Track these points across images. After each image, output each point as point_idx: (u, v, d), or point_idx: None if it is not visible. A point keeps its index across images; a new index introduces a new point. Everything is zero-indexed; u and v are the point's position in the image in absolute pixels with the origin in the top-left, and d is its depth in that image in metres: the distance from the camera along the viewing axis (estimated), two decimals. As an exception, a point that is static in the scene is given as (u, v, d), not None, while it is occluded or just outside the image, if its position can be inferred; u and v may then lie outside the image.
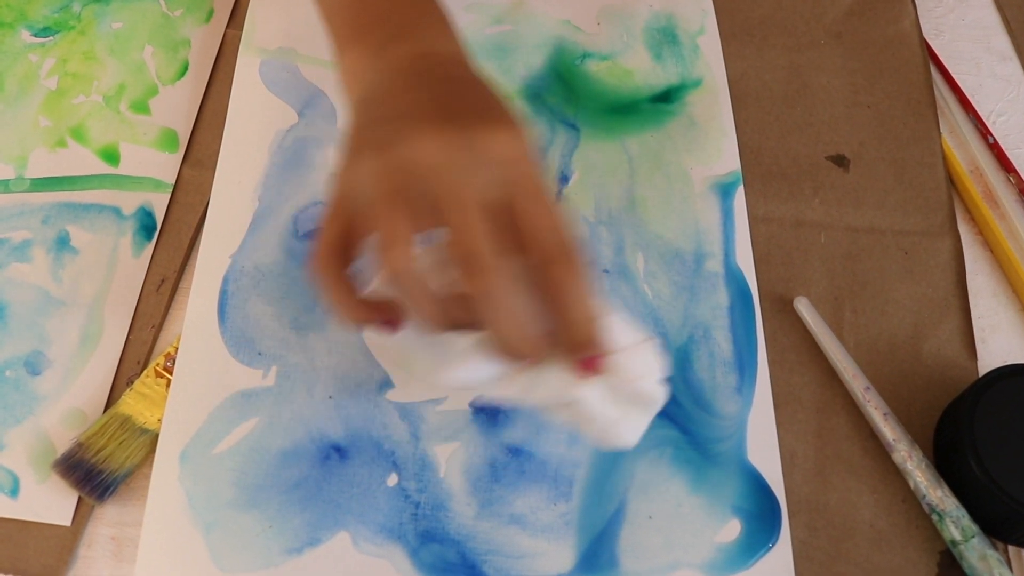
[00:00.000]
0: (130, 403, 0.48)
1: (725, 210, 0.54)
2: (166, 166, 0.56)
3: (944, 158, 0.57)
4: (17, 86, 0.58)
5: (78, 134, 0.57)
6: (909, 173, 0.56)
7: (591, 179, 0.55)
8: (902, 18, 0.62)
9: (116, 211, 0.54)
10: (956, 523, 0.45)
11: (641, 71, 0.59)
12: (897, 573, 0.45)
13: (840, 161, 0.57)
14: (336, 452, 0.47)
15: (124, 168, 0.55)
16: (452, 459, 0.47)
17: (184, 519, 0.45)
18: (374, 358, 0.49)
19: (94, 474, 0.46)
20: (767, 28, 0.62)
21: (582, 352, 0.38)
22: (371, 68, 0.41)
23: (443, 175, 0.36)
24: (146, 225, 0.54)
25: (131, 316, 0.51)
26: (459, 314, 0.38)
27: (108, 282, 0.52)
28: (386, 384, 0.49)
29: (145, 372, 0.49)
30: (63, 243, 0.53)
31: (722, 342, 0.50)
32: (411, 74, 0.40)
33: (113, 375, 0.49)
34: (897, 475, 0.47)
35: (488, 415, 0.48)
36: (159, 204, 0.54)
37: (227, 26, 0.61)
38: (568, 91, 0.58)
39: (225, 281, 0.51)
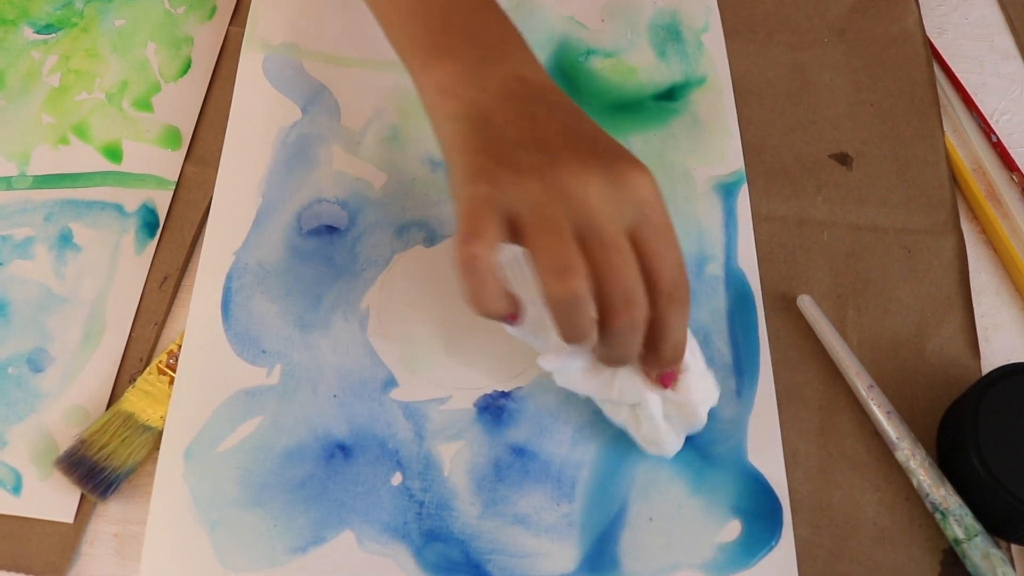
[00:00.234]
0: (132, 400, 0.48)
1: (728, 210, 0.54)
2: (169, 163, 0.55)
3: (947, 156, 0.57)
4: (20, 83, 0.58)
5: (81, 131, 0.56)
6: (912, 171, 0.56)
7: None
8: (905, 16, 0.62)
9: (119, 208, 0.54)
10: (959, 522, 0.45)
11: (645, 68, 0.59)
12: (900, 571, 0.45)
13: (843, 159, 0.57)
14: (340, 451, 0.47)
15: (127, 165, 0.55)
16: (456, 458, 0.47)
17: (189, 517, 0.45)
18: (378, 357, 0.49)
19: (96, 471, 0.46)
20: (770, 25, 0.62)
21: (666, 368, 0.43)
22: (470, 86, 0.43)
23: (595, 209, 0.38)
24: (149, 222, 0.54)
25: (133, 313, 0.51)
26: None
27: (110, 279, 0.52)
28: (390, 383, 0.49)
29: (148, 369, 0.49)
30: (65, 240, 0.53)
31: (722, 346, 0.50)
32: (519, 99, 0.42)
33: (115, 372, 0.49)
34: (900, 473, 0.47)
35: (492, 415, 0.48)
36: (162, 201, 0.54)
37: (230, 23, 0.61)
38: (572, 88, 0.58)
39: (229, 278, 0.51)
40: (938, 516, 0.45)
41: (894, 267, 0.53)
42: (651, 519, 0.46)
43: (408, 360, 0.49)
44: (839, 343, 0.49)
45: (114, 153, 0.56)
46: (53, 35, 0.60)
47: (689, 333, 0.43)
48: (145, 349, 0.50)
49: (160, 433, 0.47)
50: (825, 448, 0.48)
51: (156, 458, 0.47)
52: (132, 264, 0.52)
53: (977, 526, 0.44)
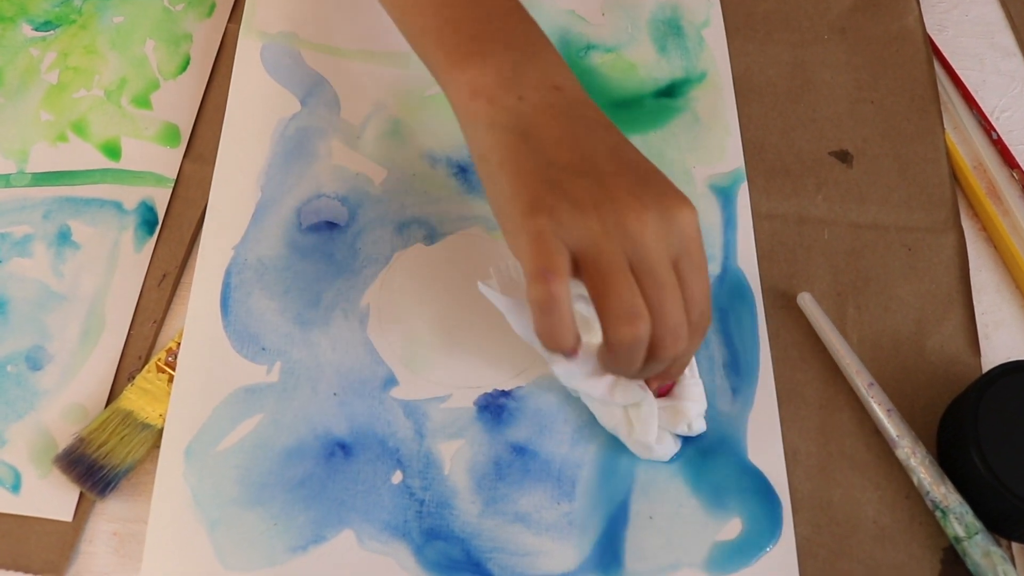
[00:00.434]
0: (131, 398, 0.48)
1: (727, 208, 0.54)
2: (167, 161, 0.55)
3: (947, 154, 0.57)
4: (18, 80, 0.58)
5: (79, 128, 0.56)
6: (913, 169, 0.56)
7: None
8: (906, 14, 0.62)
9: (117, 206, 0.54)
10: (959, 520, 0.45)
11: (645, 64, 0.59)
12: (900, 570, 0.45)
13: (844, 157, 0.57)
14: (340, 449, 0.47)
15: (125, 163, 0.55)
16: (457, 457, 0.47)
17: (189, 516, 0.45)
18: (378, 355, 0.49)
19: (95, 469, 0.46)
20: (771, 23, 0.61)
21: (667, 381, 0.46)
22: (507, 92, 0.42)
23: (651, 248, 0.39)
24: (147, 220, 0.53)
25: (132, 311, 0.51)
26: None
27: (109, 277, 0.52)
28: (390, 381, 0.49)
29: (146, 367, 0.49)
30: (64, 238, 0.53)
31: (721, 346, 0.50)
32: (561, 114, 0.42)
33: (114, 370, 0.49)
34: (900, 471, 0.47)
35: (492, 414, 0.48)
36: (160, 199, 0.54)
37: (229, 20, 0.61)
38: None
39: (228, 273, 0.51)
40: (938, 514, 0.45)
41: (894, 265, 0.53)
42: (651, 518, 0.46)
43: (408, 358, 0.49)
44: (839, 341, 0.49)
45: (113, 150, 0.56)
46: (51, 32, 0.60)
47: None
48: (144, 347, 0.50)
49: (159, 431, 0.47)
50: (825, 446, 0.48)
51: (155, 456, 0.47)
52: (131, 262, 0.52)
53: (977, 524, 0.44)
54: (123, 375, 0.49)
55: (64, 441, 0.47)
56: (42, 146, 0.55)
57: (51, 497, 0.46)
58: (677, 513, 0.46)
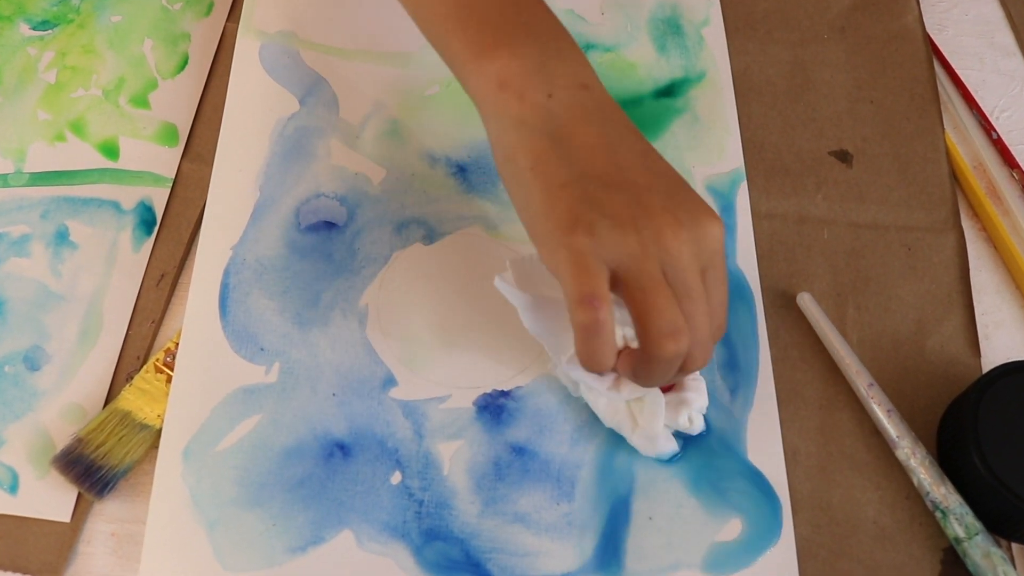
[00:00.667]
0: (130, 399, 0.48)
1: (727, 208, 0.54)
2: (166, 160, 0.55)
3: (947, 154, 0.57)
4: (16, 79, 0.57)
5: (77, 128, 0.56)
6: (912, 169, 0.56)
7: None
8: (906, 13, 0.62)
9: (115, 205, 0.54)
10: (959, 520, 0.45)
11: (644, 64, 0.59)
12: (900, 570, 0.45)
13: (843, 157, 0.57)
14: (339, 450, 0.47)
15: (124, 162, 0.55)
16: (456, 457, 0.47)
17: (188, 517, 0.45)
18: (377, 355, 0.49)
19: (93, 470, 0.45)
20: (771, 22, 0.61)
21: (674, 380, 0.45)
22: (536, 88, 0.41)
23: (686, 264, 0.39)
24: (146, 220, 0.53)
25: (131, 311, 0.51)
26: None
27: (107, 277, 0.51)
28: (389, 381, 0.48)
29: (145, 367, 0.49)
30: (62, 237, 0.52)
31: (720, 346, 0.50)
32: (592, 118, 0.42)
33: (112, 370, 0.49)
34: (900, 472, 0.47)
35: (492, 414, 0.48)
36: (159, 199, 0.54)
37: (227, 19, 0.60)
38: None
39: (226, 273, 0.51)
40: (938, 515, 0.45)
41: (894, 265, 0.53)
42: (651, 518, 0.46)
43: (407, 359, 0.49)
44: (839, 341, 0.49)
45: (111, 150, 0.55)
46: (49, 31, 0.59)
47: None
48: (142, 347, 0.50)
49: (157, 431, 0.47)
50: (825, 447, 0.48)
51: (153, 457, 0.47)
52: (129, 262, 0.52)
53: (978, 525, 0.44)
54: (121, 375, 0.49)
55: (62, 441, 0.46)
56: (40, 146, 0.55)
57: (49, 498, 0.46)
58: (677, 513, 0.46)
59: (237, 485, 0.46)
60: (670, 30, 0.60)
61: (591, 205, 0.39)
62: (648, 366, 0.41)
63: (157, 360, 0.49)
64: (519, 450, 0.47)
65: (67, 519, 0.45)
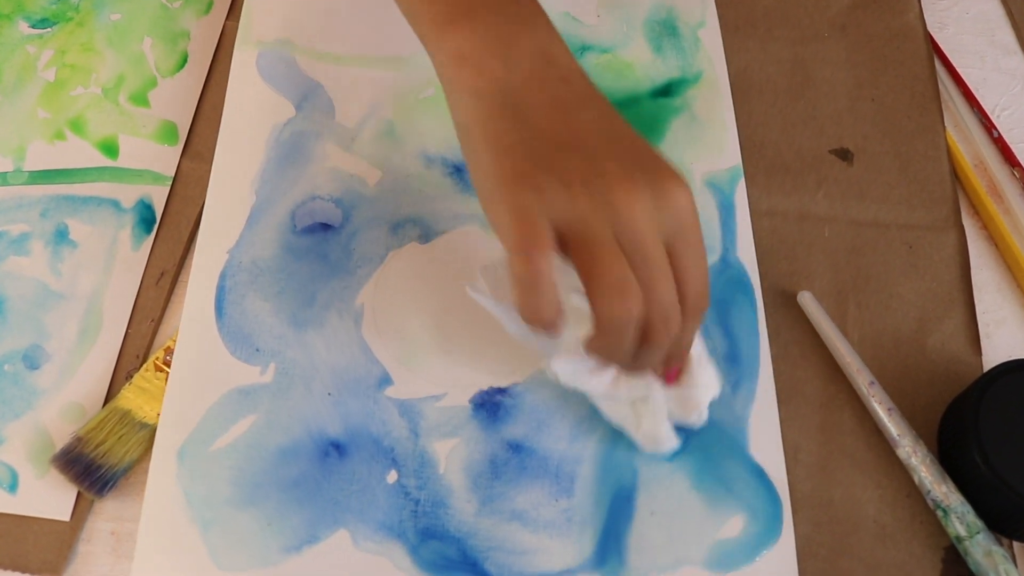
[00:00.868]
0: (129, 397, 0.48)
1: (726, 206, 0.54)
2: (165, 159, 0.55)
3: (948, 152, 0.57)
4: (15, 78, 0.58)
5: (77, 126, 0.56)
6: (913, 167, 0.56)
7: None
8: (906, 11, 0.62)
9: (115, 204, 0.54)
10: (961, 519, 0.44)
11: (641, 64, 0.59)
12: (901, 569, 0.45)
13: (844, 155, 0.56)
14: (335, 449, 0.47)
15: (123, 161, 0.55)
16: (452, 456, 0.47)
17: (182, 517, 0.45)
18: (373, 354, 0.49)
19: (93, 469, 0.45)
20: (771, 20, 0.61)
21: (672, 365, 0.44)
22: (493, 58, 0.40)
23: (641, 226, 0.38)
24: (145, 218, 0.53)
25: (130, 310, 0.51)
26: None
27: (107, 275, 0.52)
28: (385, 380, 0.48)
29: (144, 366, 0.49)
30: (62, 236, 0.52)
31: (722, 338, 0.50)
32: (549, 84, 0.41)
33: (112, 369, 0.49)
34: (901, 470, 0.47)
35: (488, 411, 0.48)
36: (158, 197, 0.54)
37: (227, 17, 0.61)
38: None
39: (222, 276, 0.51)
40: (940, 513, 0.45)
41: (895, 263, 0.53)
42: (652, 513, 0.45)
43: (403, 357, 0.49)
44: (840, 339, 0.49)
45: (110, 148, 0.56)
46: (48, 29, 0.60)
47: None
48: (142, 346, 0.50)
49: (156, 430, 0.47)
50: (826, 445, 0.48)
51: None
52: (129, 260, 0.52)
53: (979, 523, 0.44)
54: (121, 374, 0.49)
55: (62, 440, 0.47)
56: (39, 144, 0.55)
57: (49, 497, 0.46)
58: (679, 509, 0.46)
59: (232, 485, 0.45)
60: (666, 31, 0.60)
61: (540, 164, 0.38)
62: (600, 333, 0.39)
63: (157, 359, 0.49)
64: (516, 447, 0.47)
65: (67, 518, 0.45)
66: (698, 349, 0.45)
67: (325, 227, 0.53)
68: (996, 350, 0.51)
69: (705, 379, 0.45)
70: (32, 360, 0.49)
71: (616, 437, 0.47)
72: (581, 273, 0.38)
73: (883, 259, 0.53)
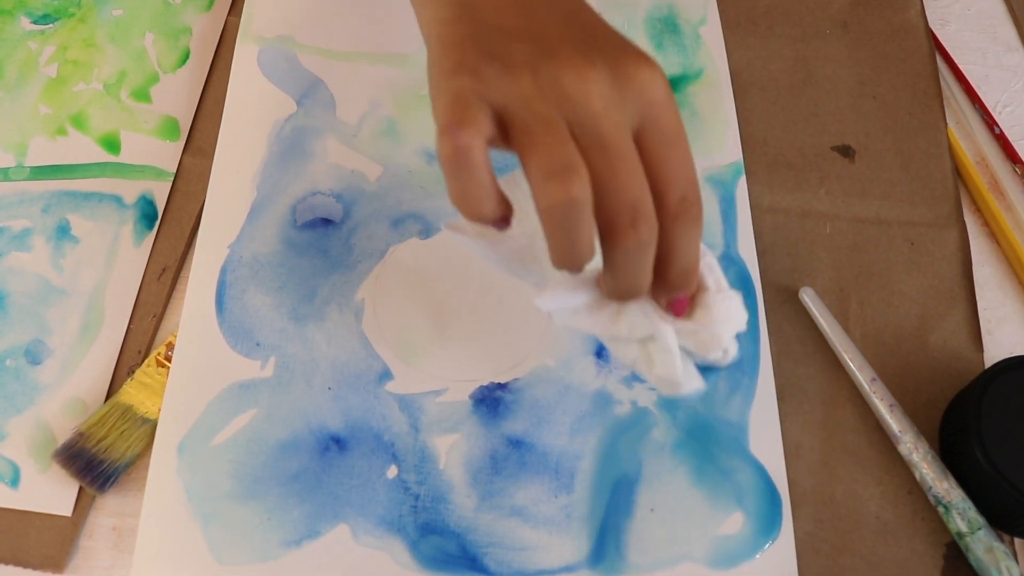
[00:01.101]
0: (131, 392, 0.48)
1: (727, 201, 0.54)
2: (167, 154, 0.55)
3: (950, 149, 0.56)
4: (17, 73, 0.58)
5: (78, 122, 0.56)
6: (915, 164, 0.56)
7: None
8: (908, 8, 0.62)
9: (117, 200, 0.54)
10: (962, 515, 0.44)
11: (644, 61, 0.59)
12: (903, 565, 0.45)
13: (846, 152, 0.56)
14: (335, 444, 0.47)
15: (125, 156, 0.55)
16: (452, 451, 0.47)
17: (182, 511, 0.45)
18: (373, 349, 0.49)
19: (95, 464, 0.46)
20: (772, 17, 0.61)
21: (676, 294, 0.38)
22: None
23: (597, 109, 0.33)
24: (147, 214, 0.53)
25: (132, 305, 0.51)
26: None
27: (109, 271, 0.52)
28: (385, 375, 0.48)
29: (146, 361, 0.49)
30: (63, 232, 0.53)
31: None
32: None
33: (114, 364, 0.49)
34: (903, 467, 0.47)
35: (489, 407, 0.48)
36: (160, 193, 0.54)
37: (228, 13, 0.61)
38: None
39: (223, 271, 0.51)
40: (941, 510, 0.45)
41: (897, 260, 0.53)
42: (653, 510, 0.45)
43: (403, 352, 0.49)
44: (842, 336, 0.49)
45: (112, 144, 0.56)
46: (50, 25, 0.60)
47: (706, 250, 0.39)
48: (144, 341, 0.50)
49: (158, 426, 0.47)
50: (828, 441, 0.48)
51: (153, 451, 0.47)
52: (131, 256, 0.52)
53: (980, 520, 0.44)
54: (123, 369, 0.49)
55: (63, 435, 0.47)
56: (41, 140, 0.56)
57: (50, 492, 0.46)
58: (680, 505, 0.45)
59: (232, 479, 0.46)
60: (667, 29, 0.60)
61: (485, 53, 0.35)
62: (545, 225, 0.34)
63: (159, 354, 0.49)
64: (516, 443, 0.47)
65: (68, 513, 0.45)
66: (714, 276, 0.40)
67: (326, 222, 0.53)
68: (998, 347, 0.51)
69: (724, 310, 0.39)
70: (34, 355, 0.49)
71: (617, 433, 0.47)
72: (520, 158, 0.34)
73: (885, 256, 0.53)
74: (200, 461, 0.46)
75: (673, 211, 0.35)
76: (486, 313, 0.50)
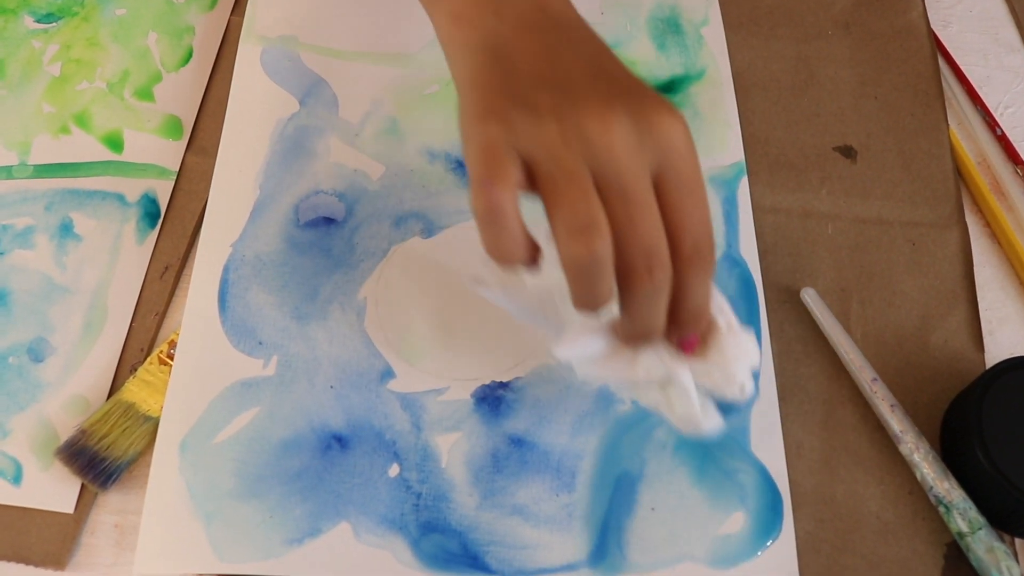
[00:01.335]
0: (133, 390, 0.48)
1: (728, 202, 0.54)
2: (170, 153, 0.55)
3: (952, 150, 0.57)
4: (20, 72, 0.58)
5: (81, 121, 0.56)
6: (917, 164, 0.56)
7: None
8: (910, 9, 0.62)
9: (120, 198, 0.54)
10: (963, 515, 0.44)
11: (645, 62, 0.59)
12: (903, 565, 0.45)
13: (847, 152, 0.56)
14: (337, 442, 0.47)
15: (128, 155, 0.55)
16: (454, 449, 0.47)
17: (184, 509, 0.45)
18: (375, 348, 0.49)
19: (97, 461, 0.46)
20: (774, 18, 0.61)
21: (687, 333, 0.39)
22: (487, 14, 0.39)
23: (618, 156, 0.35)
24: (150, 212, 0.54)
25: (135, 303, 0.51)
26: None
27: (112, 269, 0.52)
28: (387, 374, 0.48)
29: (148, 359, 0.49)
30: (66, 230, 0.53)
31: None
32: (539, 31, 0.39)
33: (116, 362, 0.49)
34: (904, 467, 0.47)
35: (490, 405, 0.48)
36: (163, 191, 0.54)
37: (231, 13, 0.61)
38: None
39: (226, 270, 0.51)
40: (942, 509, 0.45)
41: (898, 260, 0.53)
42: (654, 509, 0.45)
43: (405, 351, 0.49)
44: (843, 336, 0.49)
45: (115, 143, 0.56)
46: (54, 24, 0.60)
47: (717, 291, 0.40)
48: (146, 339, 0.50)
49: (160, 424, 0.47)
50: (829, 441, 0.48)
51: (156, 449, 0.47)
52: (133, 254, 0.52)
53: (981, 520, 0.44)
54: (125, 367, 0.49)
55: (66, 433, 0.47)
56: (44, 138, 0.56)
57: (52, 489, 0.46)
58: (680, 505, 0.45)
59: (234, 477, 0.46)
60: (669, 29, 0.60)
61: (513, 98, 0.36)
62: (569, 279, 0.36)
63: (161, 352, 0.49)
64: (518, 441, 0.47)
65: (70, 510, 0.46)
66: (725, 317, 0.41)
67: (328, 221, 0.53)
68: (999, 347, 0.51)
69: (736, 348, 0.40)
70: (37, 353, 0.49)
71: (618, 432, 0.47)
72: (545, 210, 0.35)
73: (886, 256, 0.53)
74: (202, 459, 0.46)
75: (686, 256, 0.36)
76: (488, 312, 0.50)
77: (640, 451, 0.47)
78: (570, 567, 0.44)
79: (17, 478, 0.46)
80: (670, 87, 0.58)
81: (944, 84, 0.59)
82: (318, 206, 0.53)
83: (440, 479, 0.46)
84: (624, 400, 0.48)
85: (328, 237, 0.52)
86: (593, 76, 0.37)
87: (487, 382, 0.48)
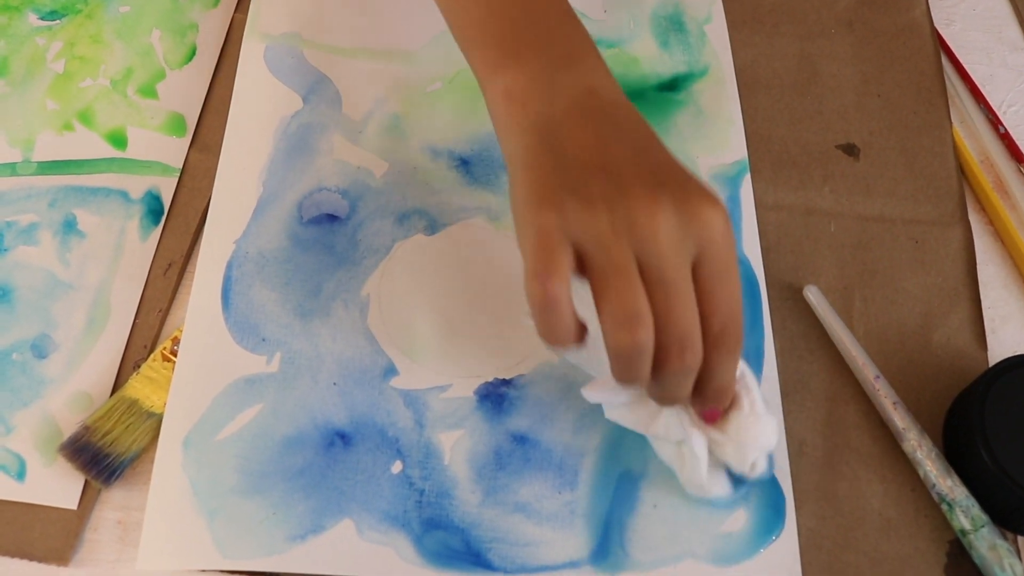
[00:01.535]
0: (137, 387, 0.48)
1: (731, 199, 0.54)
2: (174, 150, 0.56)
3: (955, 148, 0.57)
4: (24, 69, 0.58)
5: (85, 118, 0.56)
6: (920, 162, 0.56)
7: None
8: (913, 7, 0.62)
9: (123, 195, 0.54)
10: (965, 513, 0.44)
11: (648, 59, 0.59)
12: (906, 562, 0.45)
13: (850, 150, 0.56)
14: (340, 439, 0.47)
15: (131, 152, 0.55)
16: (457, 446, 0.47)
17: (187, 506, 0.45)
18: (378, 345, 0.49)
19: (100, 457, 0.46)
20: (778, 16, 0.61)
21: (709, 406, 0.42)
22: (540, 96, 0.42)
23: (662, 246, 0.37)
24: (153, 209, 0.54)
25: (138, 300, 0.51)
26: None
27: (115, 266, 0.52)
28: (390, 371, 0.49)
29: (152, 356, 0.49)
30: (70, 226, 0.53)
31: None
32: (589, 116, 0.41)
33: (120, 359, 0.49)
34: (906, 464, 0.47)
35: (493, 403, 0.48)
36: (166, 188, 0.54)
37: (235, 10, 0.61)
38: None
39: (229, 267, 0.51)
40: (944, 507, 0.45)
41: (901, 258, 0.53)
42: (656, 506, 0.45)
43: (409, 348, 0.49)
44: (846, 334, 0.49)
45: (119, 140, 0.56)
46: (58, 21, 0.60)
47: (748, 370, 0.43)
48: (149, 336, 0.50)
49: (163, 420, 0.47)
50: (831, 439, 0.48)
51: (159, 445, 0.47)
52: (137, 251, 0.52)
53: (983, 517, 0.44)
54: (128, 364, 0.49)
55: (69, 429, 0.47)
56: (48, 135, 0.56)
57: (56, 485, 0.46)
58: (682, 502, 0.45)
59: (237, 474, 0.46)
60: (672, 27, 0.60)
61: (566, 187, 0.39)
62: (611, 360, 0.39)
63: (164, 349, 0.49)
64: (520, 439, 0.47)
65: (74, 506, 0.46)
66: (750, 398, 0.43)
67: (331, 218, 0.53)
68: (1001, 345, 0.51)
69: (754, 429, 0.42)
70: (40, 349, 0.49)
71: (620, 431, 0.47)
72: (594, 298, 0.38)
73: (889, 254, 0.53)
74: (205, 455, 0.46)
75: (714, 338, 0.39)
76: (491, 309, 0.50)
77: (642, 449, 0.47)
78: (572, 564, 0.44)
79: (21, 474, 0.46)
80: (673, 84, 0.58)
81: (947, 82, 0.59)
82: (321, 203, 0.53)
83: (443, 476, 0.46)
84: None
85: (331, 234, 0.52)
86: (640, 164, 0.39)
87: (490, 379, 0.48)
